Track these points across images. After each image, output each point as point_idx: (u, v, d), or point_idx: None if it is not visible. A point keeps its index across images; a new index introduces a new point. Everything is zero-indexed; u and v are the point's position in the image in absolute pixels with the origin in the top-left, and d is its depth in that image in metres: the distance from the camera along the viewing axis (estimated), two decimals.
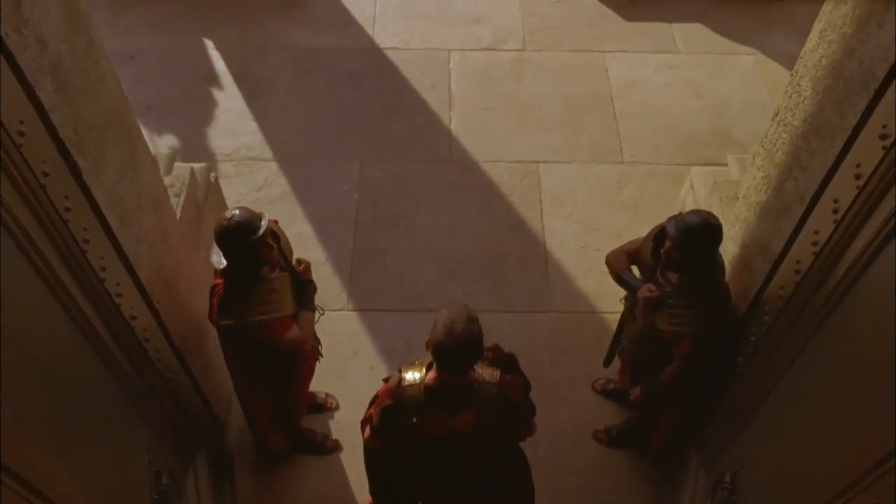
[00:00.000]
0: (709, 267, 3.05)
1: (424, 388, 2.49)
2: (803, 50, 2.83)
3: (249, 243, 2.89)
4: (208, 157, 4.99)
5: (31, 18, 2.12)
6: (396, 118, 5.16)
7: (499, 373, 2.55)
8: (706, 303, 3.03)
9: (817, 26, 2.73)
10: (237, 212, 2.92)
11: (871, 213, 2.19)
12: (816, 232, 2.47)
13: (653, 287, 3.08)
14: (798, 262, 2.56)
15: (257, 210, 2.99)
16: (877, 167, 2.09)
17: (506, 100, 5.36)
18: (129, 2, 6.07)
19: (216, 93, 5.45)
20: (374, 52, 5.70)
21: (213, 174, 4.12)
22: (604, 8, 6.08)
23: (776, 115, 3.03)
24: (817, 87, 2.62)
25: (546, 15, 5.97)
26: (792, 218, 2.68)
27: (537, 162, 4.91)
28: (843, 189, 2.30)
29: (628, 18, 6.00)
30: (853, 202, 2.23)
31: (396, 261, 4.55)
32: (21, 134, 1.98)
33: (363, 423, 2.76)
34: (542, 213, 4.74)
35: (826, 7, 2.68)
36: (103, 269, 2.49)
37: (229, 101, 5.38)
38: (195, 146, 5.06)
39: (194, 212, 3.60)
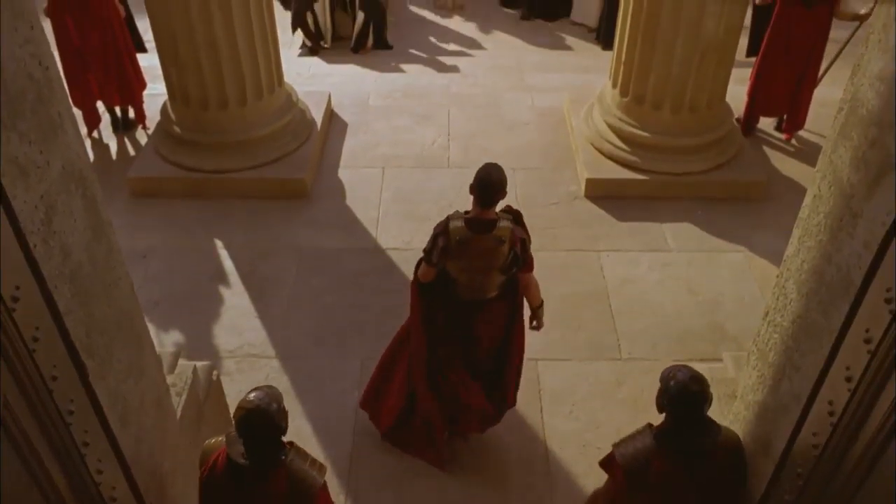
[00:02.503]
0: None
1: (465, 221, 3.78)
2: (786, 254, 2.97)
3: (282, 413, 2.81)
4: (212, 353, 5.05)
5: (59, 230, 2.26)
6: (397, 317, 5.24)
7: (512, 217, 3.85)
8: None
9: (796, 232, 2.88)
10: (253, 395, 2.80)
11: (867, 417, 2.21)
12: (815, 434, 2.47)
13: None
14: (800, 465, 2.55)
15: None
16: (865, 370, 2.14)
17: None
18: (146, 203, 6.42)
19: (223, 290, 5.61)
20: (376, 253, 5.93)
21: (215, 372, 4.17)
22: (597, 209, 6.40)
23: (766, 315, 3.12)
24: (802, 289, 2.73)
25: (543, 216, 6.27)
26: (790, 418, 2.69)
27: (536, 359, 4.95)
28: (836, 391, 2.33)
29: (621, 219, 6.29)
30: (847, 404, 2.26)
31: (395, 462, 4.47)
32: (35, 340, 2.06)
33: (413, 281, 4.03)
34: (541, 411, 4.72)
35: (802, 214, 2.85)
36: (100, 472, 2.47)
37: (235, 298, 5.53)
38: (200, 343, 5.14)
39: (195, 411, 3.61)
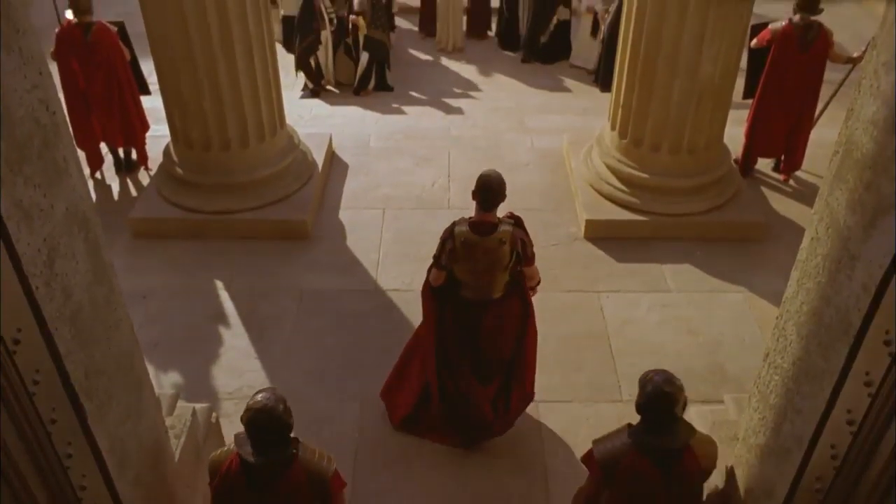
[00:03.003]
0: None
1: (469, 224, 4.08)
2: (785, 295, 2.98)
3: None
4: (211, 394, 5.03)
5: (61, 272, 2.27)
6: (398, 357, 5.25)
7: (513, 221, 4.16)
8: None
9: (794, 274, 2.90)
10: (260, 396, 2.95)
11: (870, 460, 2.20)
12: (818, 478, 2.46)
13: None
14: None
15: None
16: (866, 414, 2.13)
17: None
18: (146, 244, 6.44)
19: (223, 331, 5.60)
20: (377, 294, 5.93)
21: (214, 414, 4.15)
22: (597, 251, 6.41)
23: (766, 356, 3.12)
24: (801, 331, 2.73)
25: (542, 257, 6.18)
26: (793, 462, 2.67)
27: (537, 402, 4.91)
28: (838, 434, 2.32)
29: (620, 260, 6.30)
30: (850, 448, 2.25)
31: None
32: (35, 383, 2.05)
33: (425, 286, 4.38)
34: (543, 453, 4.68)
35: (800, 256, 2.86)
36: None
37: (235, 339, 5.52)
38: (199, 384, 5.12)
39: (193, 455, 3.58)
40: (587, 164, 7.02)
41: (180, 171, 6.58)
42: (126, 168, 7.41)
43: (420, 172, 7.43)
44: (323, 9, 9.45)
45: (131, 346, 2.90)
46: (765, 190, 7.24)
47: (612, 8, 9.48)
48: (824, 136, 6.73)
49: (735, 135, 7.17)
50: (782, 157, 7.30)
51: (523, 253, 4.15)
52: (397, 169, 7.49)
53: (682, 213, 6.49)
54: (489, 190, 4.04)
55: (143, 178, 7.32)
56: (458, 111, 9.13)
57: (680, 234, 6.47)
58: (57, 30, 6.69)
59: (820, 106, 7.16)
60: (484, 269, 4.19)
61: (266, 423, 2.87)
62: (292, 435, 3.04)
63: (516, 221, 4.21)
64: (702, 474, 3.13)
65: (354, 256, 6.32)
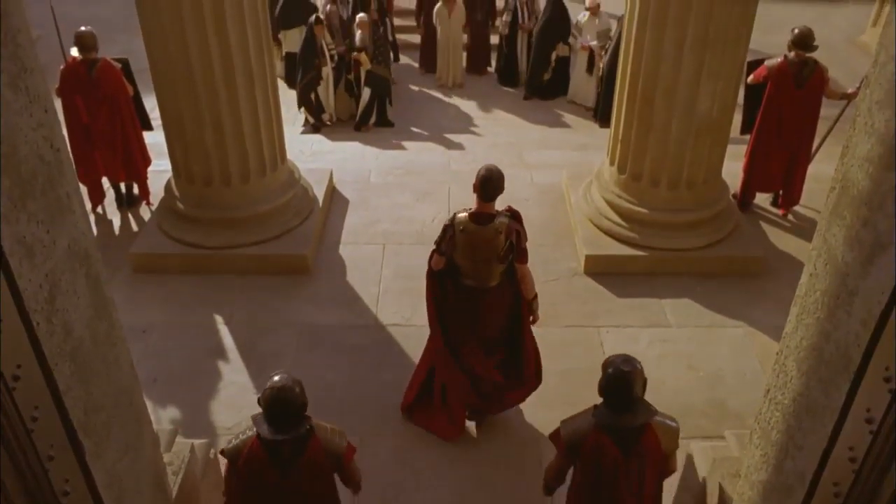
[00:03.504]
0: None
1: (469, 214, 4.37)
2: (785, 331, 2.97)
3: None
4: (209, 430, 5.00)
5: (62, 308, 2.28)
6: (397, 392, 5.23)
7: (511, 214, 4.39)
8: None
9: (794, 310, 2.89)
10: (277, 377, 3.15)
11: (873, 499, 2.18)
12: None
13: None
14: None
15: None
16: (868, 451, 2.12)
17: None
18: (147, 279, 6.44)
19: (222, 366, 5.59)
20: (377, 329, 5.92)
21: (212, 450, 4.12)
22: (597, 285, 6.41)
23: (767, 392, 3.11)
24: (801, 367, 2.72)
25: (542, 292, 6.17)
26: (795, 499, 2.65)
27: (538, 438, 4.90)
28: (840, 472, 2.31)
29: (620, 295, 6.30)
30: (852, 486, 2.23)
31: None
32: (34, 419, 2.05)
33: (427, 270, 4.64)
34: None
35: (799, 292, 2.86)
36: None
37: (234, 374, 5.50)
38: (197, 419, 5.09)
39: (192, 491, 3.55)
40: (586, 199, 7.05)
41: (181, 206, 6.61)
42: (127, 203, 7.45)
43: (420, 208, 7.46)
44: (324, 45, 9.58)
45: (131, 381, 2.90)
46: (763, 224, 7.26)
47: (610, 45, 9.62)
48: (822, 171, 6.78)
49: (733, 170, 7.22)
50: (780, 192, 7.34)
51: (517, 245, 4.39)
52: (397, 204, 7.53)
53: (681, 247, 6.51)
54: (489, 181, 4.31)
55: (145, 212, 7.35)
56: (458, 146, 9.20)
57: (679, 268, 6.48)
58: (62, 66, 6.77)
59: (817, 141, 7.22)
60: (482, 259, 4.46)
61: (286, 401, 3.09)
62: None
63: (513, 215, 4.45)
64: (662, 457, 3.27)
65: (354, 292, 6.32)
